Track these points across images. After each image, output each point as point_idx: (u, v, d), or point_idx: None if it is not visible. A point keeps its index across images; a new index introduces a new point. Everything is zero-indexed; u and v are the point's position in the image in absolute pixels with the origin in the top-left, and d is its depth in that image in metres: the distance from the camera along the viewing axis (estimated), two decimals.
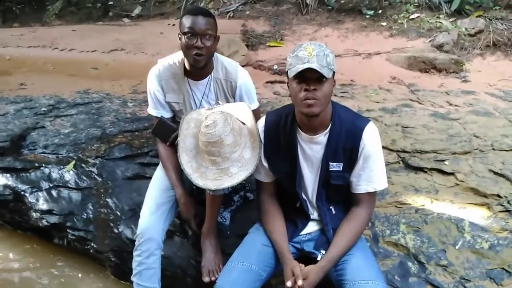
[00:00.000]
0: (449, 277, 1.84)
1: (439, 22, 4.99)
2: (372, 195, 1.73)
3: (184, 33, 1.80)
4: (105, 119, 3.03)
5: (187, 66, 1.93)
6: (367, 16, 5.49)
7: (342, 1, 5.95)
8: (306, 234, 1.79)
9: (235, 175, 1.70)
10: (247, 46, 5.14)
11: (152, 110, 2.07)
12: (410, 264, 1.93)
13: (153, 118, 2.09)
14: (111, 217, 2.31)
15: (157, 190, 2.02)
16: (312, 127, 1.66)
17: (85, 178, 2.51)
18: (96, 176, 2.50)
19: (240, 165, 1.71)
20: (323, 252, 1.68)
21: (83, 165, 2.58)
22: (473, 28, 4.72)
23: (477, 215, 2.12)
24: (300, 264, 1.64)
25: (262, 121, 1.79)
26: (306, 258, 1.73)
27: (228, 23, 5.99)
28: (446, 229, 2.05)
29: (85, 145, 2.71)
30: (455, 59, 4.16)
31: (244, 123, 1.79)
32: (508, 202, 2.16)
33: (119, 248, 2.27)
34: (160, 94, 2.01)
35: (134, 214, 2.29)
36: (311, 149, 1.69)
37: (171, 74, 1.98)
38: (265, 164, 1.78)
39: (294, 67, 1.51)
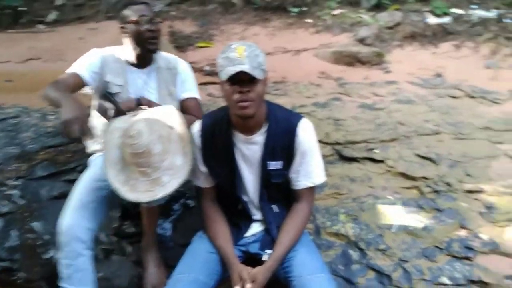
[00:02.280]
0: (388, 260, 1.93)
1: (360, 17, 5.25)
2: (311, 189, 1.75)
3: (135, 22, 1.88)
4: (24, 136, 2.77)
5: (132, 55, 1.97)
6: (293, 14, 5.62)
7: (268, 0, 6.04)
8: (251, 235, 1.78)
9: (168, 184, 1.63)
10: (175, 48, 5.02)
11: (74, 69, 1.89)
12: (351, 252, 1.99)
13: (67, 77, 1.86)
14: (39, 242, 2.12)
15: (83, 188, 1.82)
16: (248, 128, 1.64)
17: (5, 202, 2.28)
18: (18, 199, 2.27)
19: (172, 173, 1.64)
20: (269, 252, 1.67)
21: (2, 188, 2.34)
22: (391, 21, 5.02)
23: (408, 198, 2.25)
24: (247, 267, 1.62)
25: (197, 126, 1.74)
26: (253, 260, 1.71)
27: None
28: (381, 214, 2.15)
29: (3, 166, 2.45)
30: (377, 51, 4.40)
31: (172, 128, 1.72)
32: (435, 183, 2.31)
33: (51, 274, 2.09)
34: (96, 68, 1.93)
35: None
36: (249, 149, 1.67)
37: (115, 59, 1.98)
38: (204, 169, 1.73)
39: (225, 69, 1.48)
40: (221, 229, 1.72)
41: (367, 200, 2.23)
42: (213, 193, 1.79)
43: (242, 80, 1.48)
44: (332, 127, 2.89)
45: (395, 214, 2.14)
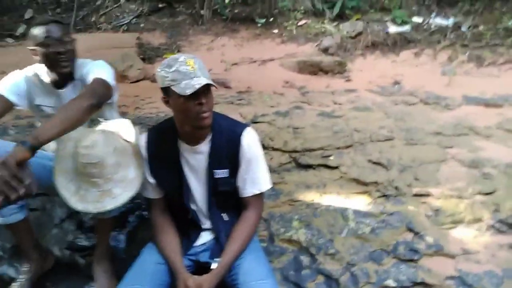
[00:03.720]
0: (337, 264, 1.98)
1: (324, 27, 5.38)
2: (258, 196, 1.79)
3: (42, 44, 1.78)
4: None
5: (49, 77, 1.89)
6: (260, 25, 5.71)
7: (236, 11, 6.12)
8: (201, 245, 1.80)
9: (119, 197, 1.65)
10: (143, 59, 5.04)
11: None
12: (302, 257, 2.04)
13: None
14: None
15: None
16: (195, 138, 1.68)
17: None
18: None
19: (124, 186, 1.66)
20: (218, 260, 1.70)
21: None
22: (353, 31, 5.16)
23: (359, 203, 2.32)
24: (194, 275, 1.64)
25: (143, 137, 1.76)
26: (203, 269, 1.73)
27: (122, 37, 5.82)
28: (333, 219, 2.21)
29: None
30: (339, 60, 4.52)
31: (128, 141, 1.74)
32: (385, 187, 2.39)
33: None
34: (21, 89, 1.86)
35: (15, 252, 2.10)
36: (195, 159, 1.71)
37: (39, 80, 1.92)
38: (152, 180, 1.75)
39: (182, 83, 1.51)
40: (170, 239, 1.74)
41: (320, 206, 2.29)
42: (163, 203, 1.81)
43: (199, 92, 1.52)
44: (290, 135, 2.95)
45: (345, 219, 2.20)
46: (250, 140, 1.72)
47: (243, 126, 1.74)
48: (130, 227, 2.20)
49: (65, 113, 1.54)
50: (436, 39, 4.85)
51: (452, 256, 1.98)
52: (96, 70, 1.83)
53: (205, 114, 1.56)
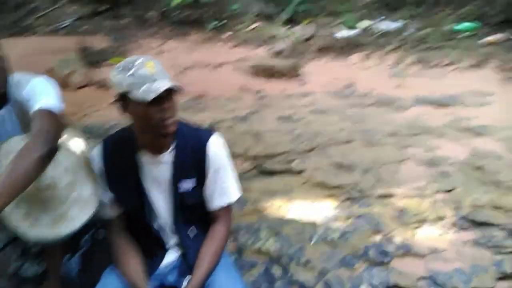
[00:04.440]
0: (310, 273, 1.92)
1: (276, 30, 5.38)
2: (228, 209, 1.68)
3: None
4: None
5: None
6: (210, 28, 5.60)
7: (185, 14, 5.96)
8: (167, 264, 1.66)
9: (77, 218, 1.48)
10: (86, 64, 4.73)
11: None
12: (274, 268, 1.96)
13: None
14: None
15: None
16: (158, 147, 1.54)
17: None
18: None
19: (80, 206, 1.49)
20: (188, 278, 1.57)
21: None
22: (305, 35, 5.20)
23: (326, 207, 2.29)
24: None
25: (98, 149, 1.59)
26: None
27: (62, 40, 5.44)
28: (301, 226, 2.16)
29: None
30: (293, 64, 4.52)
31: (78, 157, 1.56)
32: (350, 190, 2.38)
33: None
34: None
35: None
36: (158, 170, 1.57)
37: None
38: (109, 196, 1.59)
39: (142, 87, 1.36)
40: (132, 261, 1.59)
41: (288, 214, 2.23)
42: (122, 221, 1.65)
43: (161, 96, 1.38)
44: (251, 141, 2.88)
45: (314, 226, 2.15)
46: (217, 148, 1.60)
47: (209, 133, 1.63)
48: (84, 250, 2.00)
49: (13, 174, 1.27)
50: (383, 43, 5.01)
51: (421, 256, 1.99)
52: (39, 95, 1.50)
53: (169, 121, 1.42)
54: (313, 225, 2.15)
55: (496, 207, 2.15)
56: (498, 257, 1.92)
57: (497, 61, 4.18)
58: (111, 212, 1.62)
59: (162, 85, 1.36)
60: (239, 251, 2.05)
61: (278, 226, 2.15)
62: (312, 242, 2.06)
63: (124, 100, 1.44)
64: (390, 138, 2.89)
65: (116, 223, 1.64)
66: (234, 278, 1.65)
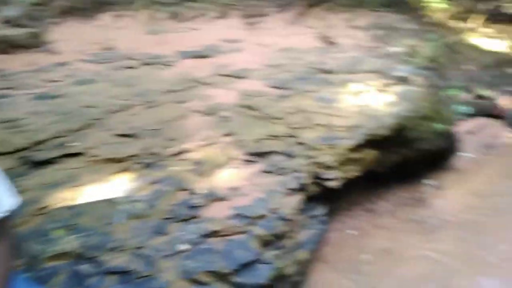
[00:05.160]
0: (124, 255, 1.76)
1: None
2: (5, 221, 1.33)
3: None
4: None
5: None
6: None
7: None
8: None
9: None
10: None
11: None
12: (82, 266, 1.71)
13: None
14: None
15: None
16: None
17: None
18: None
19: None
20: None
21: None
22: None
23: (122, 182, 2.12)
24: None
25: None
26: None
27: None
28: (101, 210, 1.94)
29: None
30: (33, 32, 3.82)
31: None
32: (143, 157, 2.26)
33: None
34: None
35: None
36: None
37: None
38: None
39: None
40: None
41: (82, 202, 1.96)
42: None
43: None
44: (8, 132, 2.34)
45: (115, 204, 1.97)
46: None
47: None
48: None
49: None
50: (130, 0, 4.79)
51: (225, 199, 2.10)
52: None
53: None
54: (112, 205, 1.96)
55: (272, 136, 2.45)
56: (284, 178, 2.23)
57: (237, 9, 4.63)
58: None
59: None
60: (33, 262, 1.69)
61: (73, 219, 1.87)
62: (118, 222, 1.89)
63: None
64: (167, 96, 2.86)
65: None
66: None
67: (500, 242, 2.60)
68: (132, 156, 2.26)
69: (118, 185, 2.09)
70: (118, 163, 2.22)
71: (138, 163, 2.22)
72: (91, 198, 2.01)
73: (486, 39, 4.53)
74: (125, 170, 2.19)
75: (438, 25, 4.38)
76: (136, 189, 2.08)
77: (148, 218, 1.95)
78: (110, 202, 1.99)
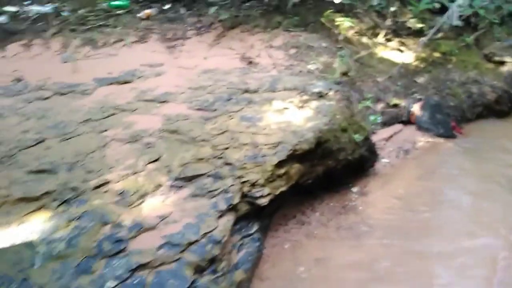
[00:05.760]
0: None
1: None
2: None
3: None
4: None
5: None
6: None
7: None
8: None
9: None
10: None
11: None
12: None
13: None
14: None
15: None
16: None
17: None
18: None
19: None
20: None
21: None
22: None
23: (40, 221, 1.97)
24: None
25: None
26: None
27: None
28: (16, 255, 1.78)
29: None
30: None
31: None
32: (61, 193, 2.12)
33: None
34: None
35: None
36: None
37: None
38: None
39: None
40: None
41: None
42: None
43: None
44: None
45: (33, 247, 1.82)
46: None
47: None
48: None
49: None
50: (41, 28, 4.53)
51: (153, 228, 2.04)
52: None
53: None
54: (31, 247, 1.81)
55: (199, 159, 2.43)
56: (213, 200, 2.21)
57: (156, 33, 4.58)
58: None
59: None
60: None
61: None
62: (37, 266, 1.74)
63: None
64: (85, 126, 2.72)
65: None
66: None
67: (419, 241, 2.81)
68: (47, 193, 2.11)
69: (34, 226, 1.93)
70: (33, 202, 2.06)
71: (55, 200, 2.08)
72: (5, 243, 1.84)
73: (393, 52, 4.94)
74: (41, 208, 2.04)
75: (348, 42, 4.69)
76: (55, 228, 1.94)
77: (70, 257, 1.84)
78: (26, 245, 1.84)
